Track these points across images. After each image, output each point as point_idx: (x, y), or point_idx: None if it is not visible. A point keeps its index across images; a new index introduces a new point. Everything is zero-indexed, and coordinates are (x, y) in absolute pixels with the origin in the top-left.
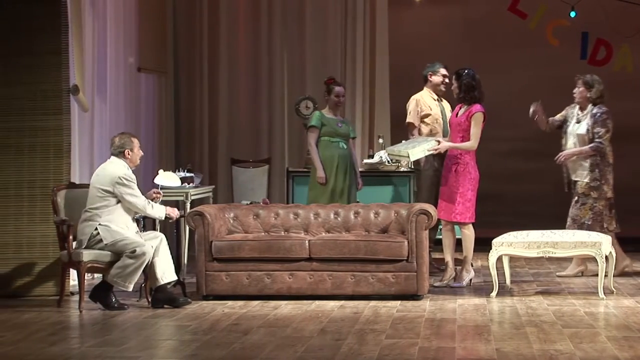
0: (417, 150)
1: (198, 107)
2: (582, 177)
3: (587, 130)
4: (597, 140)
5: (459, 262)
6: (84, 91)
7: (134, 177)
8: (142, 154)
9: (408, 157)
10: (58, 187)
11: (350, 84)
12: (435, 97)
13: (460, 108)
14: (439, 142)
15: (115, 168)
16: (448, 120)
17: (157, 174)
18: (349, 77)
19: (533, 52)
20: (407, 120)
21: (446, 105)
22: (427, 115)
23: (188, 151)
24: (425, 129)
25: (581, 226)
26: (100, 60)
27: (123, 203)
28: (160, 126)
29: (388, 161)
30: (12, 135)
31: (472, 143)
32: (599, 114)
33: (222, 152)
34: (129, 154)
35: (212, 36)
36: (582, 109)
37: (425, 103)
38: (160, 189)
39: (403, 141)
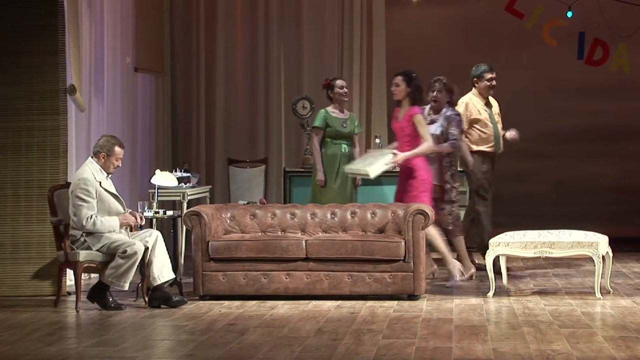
0: (375, 166)
1: (195, 107)
2: (434, 180)
3: (442, 132)
4: (452, 139)
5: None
6: (81, 91)
7: (93, 184)
8: (120, 165)
9: (368, 175)
10: (55, 187)
11: (347, 83)
12: (483, 100)
13: (398, 112)
14: (395, 153)
15: (82, 170)
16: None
17: (154, 174)
18: (346, 77)
19: (530, 52)
20: None
21: (494, 104)
22: (476, 121)
23: (185, 151)
24: (474, 134)
25: (445, 232)
26: (97, 61)
27: (102, 205)
28: (157, 126)
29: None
30: (9, 135)
31: (428, 144)
32: (452, 115)
33: (219, 152)
34: (103, 158)
35: (209, 36)
36: (436, 111)
37: (474, 107)
38: (158, 189)
39: (359, 159)
